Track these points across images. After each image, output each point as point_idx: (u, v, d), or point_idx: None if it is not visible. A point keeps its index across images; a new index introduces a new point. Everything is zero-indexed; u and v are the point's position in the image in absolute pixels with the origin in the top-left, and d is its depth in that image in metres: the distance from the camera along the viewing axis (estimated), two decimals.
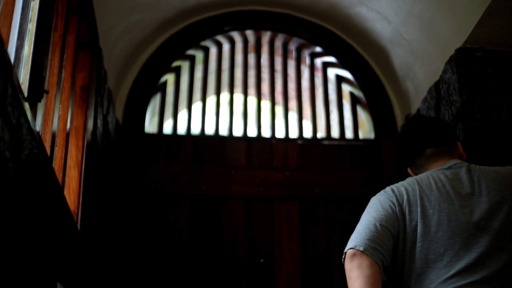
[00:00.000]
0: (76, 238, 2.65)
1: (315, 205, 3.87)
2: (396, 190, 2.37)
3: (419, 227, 2.24)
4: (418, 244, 2.22)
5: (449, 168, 2.42)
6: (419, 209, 2.27)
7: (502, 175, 2.32)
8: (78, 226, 2.77)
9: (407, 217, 2.27)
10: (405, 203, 2.30)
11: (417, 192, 2.31)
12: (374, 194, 3.67)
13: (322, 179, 3.89)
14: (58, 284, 2.28)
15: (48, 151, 2.33)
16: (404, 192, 2.34)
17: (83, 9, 2.90)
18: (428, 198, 2.28)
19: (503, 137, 3.01)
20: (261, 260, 3.69)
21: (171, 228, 3.72)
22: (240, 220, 3.79)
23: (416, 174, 2.62)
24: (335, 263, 3.72)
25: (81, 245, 2.76)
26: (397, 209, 2.29)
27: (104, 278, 3.40)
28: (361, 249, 2.13)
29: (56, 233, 2.27)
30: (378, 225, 2.22)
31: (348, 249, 2.17)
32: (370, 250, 2.13)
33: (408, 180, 2.42)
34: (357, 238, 2.19)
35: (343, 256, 2.20)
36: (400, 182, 2.43)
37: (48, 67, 2.42)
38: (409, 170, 2.70)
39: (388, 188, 2.41)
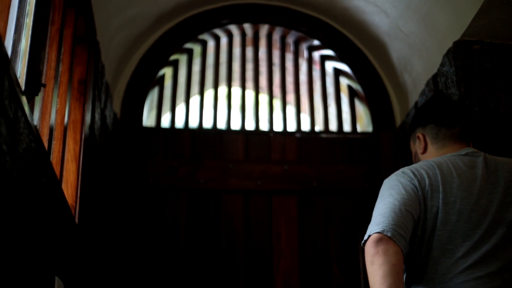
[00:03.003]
0: (74, 232, 2.65)
1: (313, 198, 3.87)
2: (417, 173, 2.26)
3: (440, 215, 2.17)
4: (437, 232, 2.16)
5: (466, 155, 2.36)
6: (441, 196, 2.19)
7: None
8: (76, 220, 2.77)
9: (429, 203, 2.19)
10: (427, 187, 2.22)
11: (439, 178, 2.23)
12: (372, 187, 3.69)
13: (320, 172, 3.89)
14: (56, 278, 2.28)
15: (46, 144, 2.33)
16: (425, 176, 2.25)
17: (80, 2, 2.89)
18: (450, 185, 2.21)
19: (501, 130, 3.02)
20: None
21: (169, 222, 3.72)
22: (238, 214, 3.79)
23: (425, 141, 2.55)
24: (333, 256, 3.73)
25: (79, 239, 2.76)
26: (419, 193, 2.20)
27: (102, 271, 3.40)
28: (388, 234, 2.03)
29: (54, 227, 2.27)
30: (403, 209, 2.12)
31: (374, 233, 2.06)
32: (398, 236, 2.04)
33: (425, 163, 2.33)
34: (383, 222, 2.08)
35: (365, 239, 2.10)
36: (417, 165, 2.33)
37: (45, 60, 2.42)
38: (419, 134, 2.58)
39: (407, 170, 2.31)
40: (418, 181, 2.24)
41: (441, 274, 2.12)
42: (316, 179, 3.87)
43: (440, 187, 2.21)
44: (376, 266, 2.00)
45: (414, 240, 2.19)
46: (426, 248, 2.18)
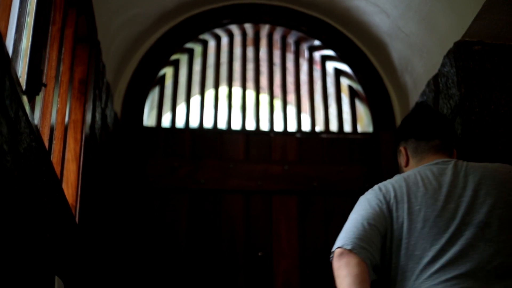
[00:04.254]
0: (74, 231, 2.66)
1: (313, 198, 3.87)
2: (383, 188, 2.39)
3: (405, 224, 2.26)
4: (404, 241, 2.24)
5: (436, 164, 2.45)
6: (405, 206, 2.29)
7: (488, 170, 2.36)
8: (77, 220, 2.77)
9: (394, 214, 2.29)
10: (392, 200, 2.32)
11: (404, 189, 2.33)
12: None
13: (321, 172, 3.89)
14: (56, 277, 2.28)
15: (47, 144, 2.33)
16: (391, 190, 2.36)
17: (81, 2, 2.89)
18: (415, 195, 2.30)
19: (502, 131, 3.02)
20: (259, 254, 3.70)
21: (169, 221, 3.72)
22: (238, 214, 3.79)
23: (407, 154, 2.65)
24: None
25: (79, 238, 2.76)
26: (384, 207, 2.31)
27: (102, 271, 3.40)
28: (348, 247, 2.16)
29: (54, 226, 2.27)
30: (365, 224, 2.25)
31: (335, 248, 2.20)
32: (358, 248, 2.16)
33: (396, 177, 2.44)
34: (344, 237, 2.22)
35: (331, 256, 2.23)
36: (388, 180, 2.45)
37: (46, 60, 2.42)
38: (401, 148, 2.70)
39: (376, 187, 2.44)
40: (383, 195, 2.36)
41: (411, 281, 2.18)
42: (316, 180, 3.87)
43: (405, 197, 2.31)
44: (341, 278, 2.14)
45: (385, 251, 2.29)
46: (396, 258, 2.26)
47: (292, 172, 3.88)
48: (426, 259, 2.17)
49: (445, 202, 2.26)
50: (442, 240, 2.18)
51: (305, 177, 3.87)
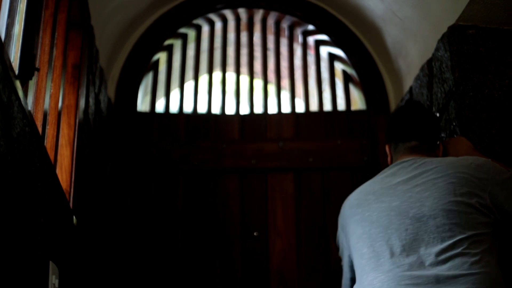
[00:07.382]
0: (68, 216, 2.66)
1: (310, 174, 3.85)
2: (340, 215, 2.69)
3: (352, 245, 2.47)
4: (356, 255, 2.42)
5: (395, 165, 2.56)
6: (350, 229, 2.51)
7: (445, 163, 2.40)
8: (71, 205, 2.77)
9: (348, 243, 2.56)
10: (342, 222, 2.64)
11: (345, 216, 2.60)
12: (370, 165, 3.69)
13: (317, 147, 3.87)
14: (50, 262, 2.28)
15: (40, 129, 2.33)
16: (342, 212, 2.67)
17: None
18: (357, 214, 2.50)
19: (495, 114, 3.02)
20: (254, 233, 3.70)
21: (164, 204, 3.73)
22: (233, 194, 3.79)
23: (391, 154, 2.73)
24: (331, 234, 3.71)
25: (73, 223, 2.76)
26: (342, 232, 2.64)
27: (96, 256, 3.41)
28: None
29: (48, 211, 2.27)
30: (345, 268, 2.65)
31: None
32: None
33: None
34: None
35: None
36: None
37: (39, 45, 2.41)
38: (387, 147, 2.78)
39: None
40: (341, 224, 2.67)
41: (359, 276, 2.35)
42: (312, 155, 3.84)
43: (347, 225, 2.56)
44: None
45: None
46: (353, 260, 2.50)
47: (287, 148, 3.86)
48: (370, 254, 2.32)
49: (390, 201, 2.37)
50: (386, 237, 2.29)
51: (300, 152, 3.85)
